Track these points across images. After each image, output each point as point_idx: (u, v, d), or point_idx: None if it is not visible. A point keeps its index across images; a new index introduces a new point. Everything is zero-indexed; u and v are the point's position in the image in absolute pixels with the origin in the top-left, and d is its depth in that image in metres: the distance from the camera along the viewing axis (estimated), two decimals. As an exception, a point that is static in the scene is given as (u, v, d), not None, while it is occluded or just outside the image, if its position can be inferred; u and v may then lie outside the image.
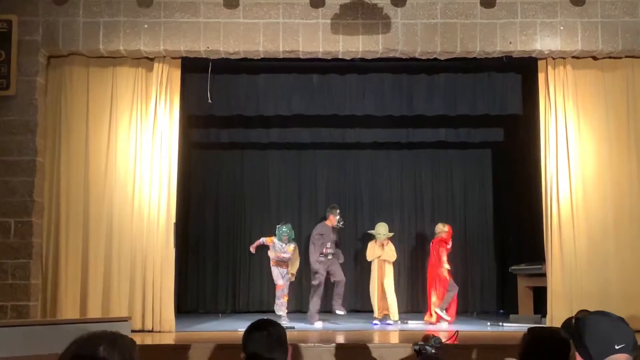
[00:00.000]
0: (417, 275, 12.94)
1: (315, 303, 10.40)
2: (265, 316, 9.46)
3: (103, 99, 9.33)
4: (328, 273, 10.45)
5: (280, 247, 10.46)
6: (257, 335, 3.13)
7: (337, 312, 10.30)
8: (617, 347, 2.44)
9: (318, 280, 10.37)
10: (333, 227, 10.65)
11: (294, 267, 10.77)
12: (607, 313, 2.58)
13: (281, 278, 10.49)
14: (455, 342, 4.03)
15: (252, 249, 10.99)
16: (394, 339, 8.62)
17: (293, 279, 10.85)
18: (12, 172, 8.81)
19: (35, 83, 8.97)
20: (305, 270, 11.44)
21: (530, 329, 3.09)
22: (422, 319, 10.69)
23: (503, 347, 6.71)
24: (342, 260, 10.80)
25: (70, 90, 9.31)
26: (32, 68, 8.98)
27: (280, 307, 10.43)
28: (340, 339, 7.95)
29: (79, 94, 9.31)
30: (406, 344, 6.91)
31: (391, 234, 10.73)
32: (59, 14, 9.04)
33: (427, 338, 3.59)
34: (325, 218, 10.92)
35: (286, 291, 10.56)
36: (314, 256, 10.44)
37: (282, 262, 10.48)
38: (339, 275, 10.53)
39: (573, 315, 2.92)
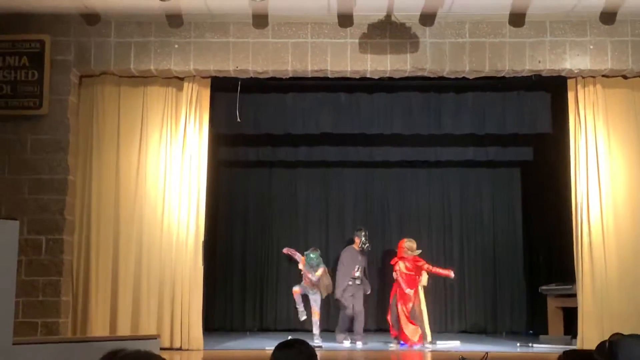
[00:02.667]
0: (445, 295, 12.88)
1: (342, 326, 10.38)
2: (292, 334, 9.51)
3: (134, 117, 9.45)
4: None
5: (308, 270, 10.47)
6: (287, 354, 3.09)
7: (358, 344, 10.18)
8: (651, 372, 2.42)
9: (344, 306, 10.37)
10: (360, 250, 10.63)
11: (325, 284, 10.69)
12: (641, 336, 2.55)
13: (299, 287, 10.54)
14: (485, 364, 4.01)
15: (286, 250, 11.00)
16: (423, 359, 8.56)
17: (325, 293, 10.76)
18: (44, 190, 8.93)
19: (67, 102, 9.11)
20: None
21: (565, 352, 3.04)
22: (451, 339, 10.62)
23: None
24: (368, 291, 10.75)
25: (101, 109, 9.44)
26: (64, 87, 9.12)
27: (303, 314, 10.45)
28: (369, 359, 7.90)
29: (110, 113, 9.43)
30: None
31: (419, 251, 10.66)
32: (91, 35, 9.19)
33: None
34: (352, 241, 10.92)
35: (317, 309, 10.48)
36: (340, 281, 10.41)
37: (313, 285, 10.47)
38: (358, 306, 10.48)
39: (604, 336, 2.88)
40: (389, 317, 10.28)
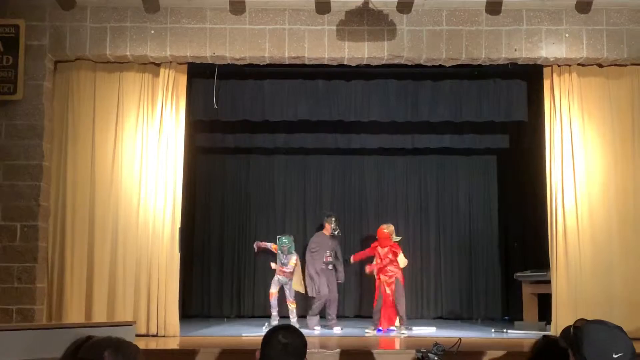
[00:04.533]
0: (421, 281, 12.98)
1: (315, 310, 10.41)
2: (269, 321, 9.44)
3: (109, 103, 9.38)
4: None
5: (281, 257, 10.50)
6: (274, 340, 3.11)
7: (335, 330, 10.25)
8: (615, 356, 2.45)
9: (320, 292, 10.39)
10: (331, 236, 10.69)
11: (299, 278, 10.72)
12: (605, 322, 2.58)
13: (275, 286, 10.57)
14: (457, 350, 4.04)
15: (256, 247, 11.05)
16: (398, 345, 8.63)
17: (302, 289, 10.80)
18: (18, 176, 8.85)
19: (42, 87, 9.03)
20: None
21: (545, 337, 3.07)
22: (427, 325, 10.69)
23: (506, 355, 6.73)
24: (341, 279, 10.83)
25: (77, 94, 9.37)
26: (39, 73, 9.03)
27: (275, 318, 10.46)
28: (344, 345, 7.95)
29: (85, 99, 9.36)
30: (410, 350, 6.93)
31: (399, 238, 10.72)
32: (66, 19, 9.10)
33: (431, 345, 3.61)
34: (322, 227, 10.97)
35: (292, 297, 10.55)
36: (312, 268, 10.45)
37: (285, 272, 10.51)
38: (332, 291, 10.55)
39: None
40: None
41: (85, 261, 9.09)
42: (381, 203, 13.28)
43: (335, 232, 10.74)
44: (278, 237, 10.74)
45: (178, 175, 9.34)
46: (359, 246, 12.82)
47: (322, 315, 10.65)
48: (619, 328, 2.55)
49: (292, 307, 10.52)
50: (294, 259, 10.56)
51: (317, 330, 10.14)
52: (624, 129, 9.43)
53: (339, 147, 12.59)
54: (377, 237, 10.35)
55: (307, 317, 10.49)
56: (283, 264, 10.55)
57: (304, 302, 11.19)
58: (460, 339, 4.46)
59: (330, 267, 10.61)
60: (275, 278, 10.67)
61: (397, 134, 11.98)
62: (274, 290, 10.64)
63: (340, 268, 10.85)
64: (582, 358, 2.49)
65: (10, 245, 8.73)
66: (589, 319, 2.70)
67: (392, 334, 9.86)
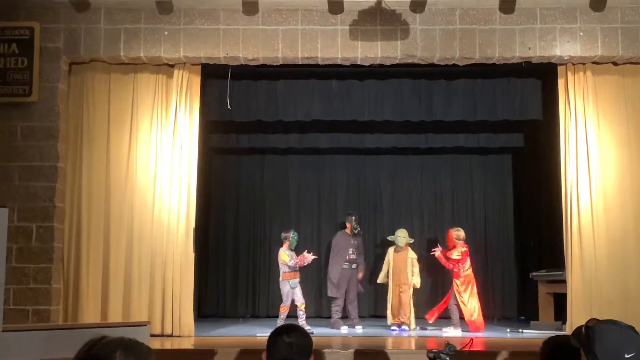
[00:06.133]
0: (436, 282, 12.91)
1: (337, 311, 10.43)
2: (285, 321, 9.45)
3: (124, 105, 9.43)
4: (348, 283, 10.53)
5: (290, 255, 10.35)
6: (279, 341, 3.11)
7: (357, 329, 10.30)
8: (627, 356, 2.43)
9: (339, 291, 10.40)
10: (352, 234, 10.71)
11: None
12: (616, 322, 2.56)
13: (289, 297, 10.17)
14: (470, 350, 4.03)
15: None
16: (411, 345, 8.61)
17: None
18: (34, 178, 8.92)
19: (57, 89, 9.09)
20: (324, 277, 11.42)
21: (550, 338, 3.07)
22: (444, 325, 10.64)
23: (521, 354, 6.70)
24: (360, 275, 10.86)
25: (91, 96, 9.42)
26: (53, 74, 9.09)
27: (300, 316, 10.28)
28: (358, 345, 7.95)
29: (100, 100, 9.42)
30: (423, 350, 6.91)
31: (411, 240, 10.72)
32: (81, 21, 9.16)
33: (442, 345, 3.61)
34: (344, 226, 11.00)
35: (302, 299, 10.25)
36: (335, 267, 10.46)
37: (295, 272, 10.32)
38: (353, 291, 10.58)
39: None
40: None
41: (100, 262, 9.14)
42: (396, 203, 13.24)
43: (356, 231, 10.78)
44: (292, 232, 10.46)
45: (192, 176, 9.38)
46: (372, 245, 12.79)
47: (344, 315, 10.68)
48: (631, 328, 2.53)
49: (301, 310, 10.28)
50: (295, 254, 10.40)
51: (345, 330, 10.16)
52: (639, 127, 9.37)
53: (353, 147, 12.56)
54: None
55: (332, 321, 10.49)
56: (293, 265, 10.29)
57: (314, 303, 11.17)
58: (472, 338, 4.45)
59: (354, 266, 10.64)
60: (287, 287, 10.19)
61: (411, 133, 11.95)
62: (288, 303, 10.18)
63: (362, 264, 10.98)
64: (594, 358, 2.48)
65: (26, 246, 8.79)
66: (604, 318, 2.68)
67: (404, 333, 9.87)
